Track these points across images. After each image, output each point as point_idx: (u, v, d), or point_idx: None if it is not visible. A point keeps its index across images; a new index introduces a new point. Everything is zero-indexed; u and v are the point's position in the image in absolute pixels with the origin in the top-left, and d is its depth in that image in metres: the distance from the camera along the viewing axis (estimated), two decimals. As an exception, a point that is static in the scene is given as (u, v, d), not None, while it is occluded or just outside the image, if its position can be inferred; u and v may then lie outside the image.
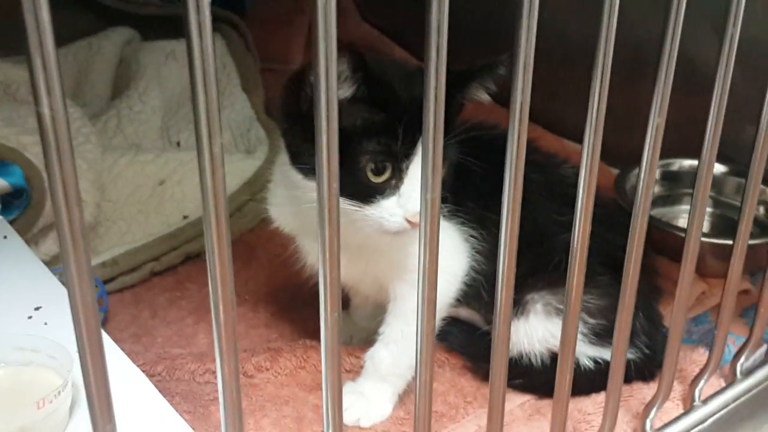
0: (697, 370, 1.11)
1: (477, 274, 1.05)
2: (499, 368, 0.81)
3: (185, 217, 1.35)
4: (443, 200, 0.99)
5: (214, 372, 1.11)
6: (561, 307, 1.06)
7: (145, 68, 1.60)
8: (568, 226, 1.06)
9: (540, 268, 1.05)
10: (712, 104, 0.87)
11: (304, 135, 0.91)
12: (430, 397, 0.76)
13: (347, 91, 0.88)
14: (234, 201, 1.36)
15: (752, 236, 1.35)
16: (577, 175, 1.14)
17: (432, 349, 0.74)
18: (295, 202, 0.98)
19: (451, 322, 1.14)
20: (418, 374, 0.75)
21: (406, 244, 0.97)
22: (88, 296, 0.53)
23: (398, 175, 0.89)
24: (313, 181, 0.91)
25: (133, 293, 1.28)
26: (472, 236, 1.02)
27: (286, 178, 0.97)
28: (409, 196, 0.88)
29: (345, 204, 0.89)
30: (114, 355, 0.87)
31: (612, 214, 1.13)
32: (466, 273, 1.02)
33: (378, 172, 0.89)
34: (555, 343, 1.08)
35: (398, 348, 1.03)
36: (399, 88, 0.91)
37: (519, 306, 1.06)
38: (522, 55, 0.65)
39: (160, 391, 1.02)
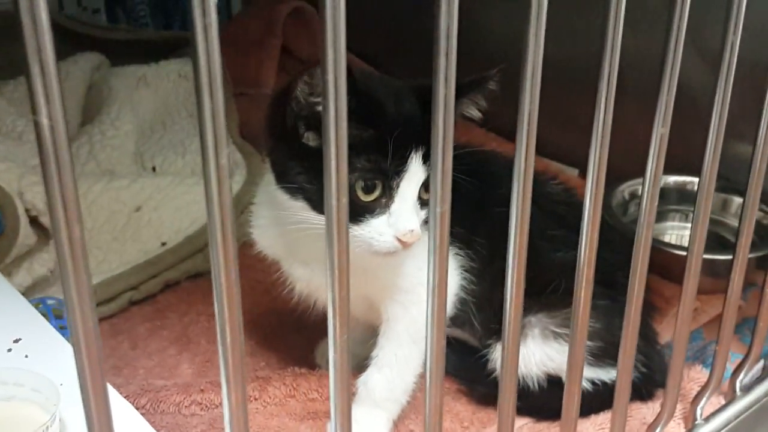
0: (695, 388, 1.10)
1: (466, 294, 1.02)
2: (507, 395, 0.77)
3: (163, 244, 1.31)
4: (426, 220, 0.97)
5: (201, 403, 1.07)
6: (559, 330, 1.03)
7: (117, 93, 1.56)
8: (562, 244, 1.05)
9: (535, 290, 1.03)
10: (712, 122, 0.86)
11: (290, 153, 0.88)
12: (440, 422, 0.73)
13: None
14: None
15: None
16: (565, 191, 1.13)
17: (442, 372, 0.70)
18: (280, 224, 0.94)
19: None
20: (427, 398, 0.71)
21: (397, 264, 0.94)
22: (89, 321, 0.49)
23: (388, 193, 0.86)
24: (299, 200, 0.89)
25: (112, 324, 1.23)
26: (458, 255, 1.00)
27: (271, 199, 0.94)
28: (400, 215, 0.85)
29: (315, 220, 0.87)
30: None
31: (601, 232, 1.11)
32: (456, 293, 1.00)
33: (368, 191, 0.86)
34: (553, 366, 1.05)
35: (392, 372, 1.00)
36: (387, 103, 0.89)
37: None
38: (529, 80, 0.63)
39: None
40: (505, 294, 0.75)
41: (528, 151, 0.68)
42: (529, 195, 0.73)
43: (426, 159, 0.86)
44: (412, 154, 0.85)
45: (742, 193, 1.38)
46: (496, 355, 1.05)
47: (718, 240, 1.40)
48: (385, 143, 0.84)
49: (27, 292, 1.17)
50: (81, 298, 0.48)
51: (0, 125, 1.40)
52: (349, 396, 0.66)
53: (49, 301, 1.12)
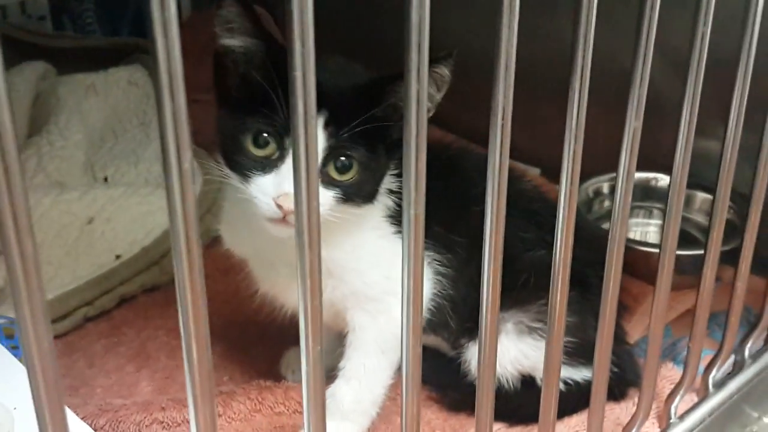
0: (667, 386, 1.08)
1: (442, 299, 0.99)
2: (485, 400, 0.74)
3: (118, 257, 1.26)
4: (398, 221, 0.94)
5: (162, 422, 1.03)
6: (533, 325, 1.01)
7: (65, 102, 1.51)
8: (534, 243, 1.03)
9: (508, 286, 1.00)
10: (682, 119, 0.84)
11: (232, 119, 0.83)
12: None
13: (235, 40, 0.81)
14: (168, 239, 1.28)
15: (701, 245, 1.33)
16: (535, 189, 1.11)
17: (419, 382, 0.67)
18: (246, 221, 0.90)
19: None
20: (404, 406, 0.68)
21: (362, 270, 0.91)
22: (44, 342, 0.46)
23: (281, 152, 0.80)
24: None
25: (66, 342, 1.18)
26: (435, 260, 0.97)
27: (233, 193, 0.88)
28: (285, 176, 0.79)
29: (232, 179, 0.83)
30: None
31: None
32: (430, 298, 0.97)
33: (257, 144, 0.81)
34: (528, 364, 1.03)
35: (360, 384, 0.97)
36: None
37: (486, 327, 1.01)
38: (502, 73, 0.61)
39: (104, 447, 0.94)
40: (482, 296, 0.73)
41: (503, 151, 0.66)
42: (504, 196, 0.70)
43: (328, 125, 0.80)
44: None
45: (705, 189, 1.39)
46: (470, 355, 1.03)
47: (683, 235, 1.39)
48: (281, 96, 0.78)
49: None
50: (35, 318, 0.45)
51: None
52: (323, 406, 0.63)
53: (2, 321, 1.07)
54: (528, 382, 1.06)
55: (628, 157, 0.77)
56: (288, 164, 0.79)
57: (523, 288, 1.00)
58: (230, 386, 1.09)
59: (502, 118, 0.64)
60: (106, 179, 1.40)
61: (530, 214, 1.04)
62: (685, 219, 1.40)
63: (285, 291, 0.96)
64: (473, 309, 1.01)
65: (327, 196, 0.81)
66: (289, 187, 0.76)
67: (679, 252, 1.26)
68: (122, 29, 2.02)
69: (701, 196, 1.38)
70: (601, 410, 0.91)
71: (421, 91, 0.56)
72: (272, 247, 0.91)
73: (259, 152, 0.80)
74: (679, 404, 1.03)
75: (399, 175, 0.94)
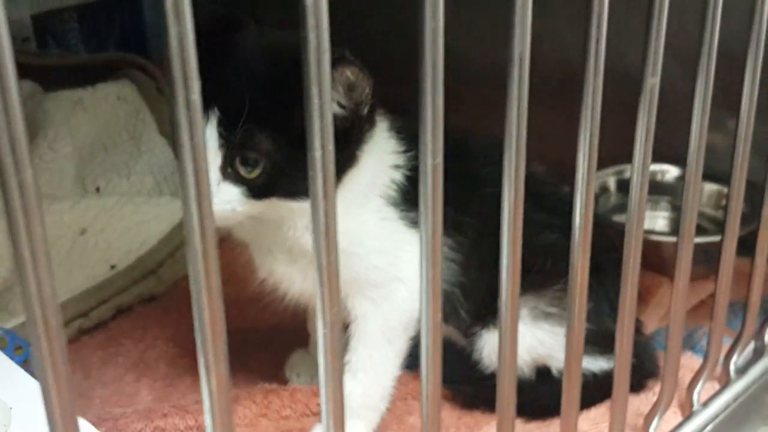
0: (687, 374, 1.05)
1: (451, 286, 0.96)
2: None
3: (113, 267, 1.22)
4: (407, 207, 0.91)
5: (164, 429, 0.99)
6: (549, 310, 0.98)
7: (53, 117, 1.48)
8: (545, 225, 1.00)
9: (524, 272, 0.98)
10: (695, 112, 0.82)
11: None
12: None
13: None
14: (167, 245, 1.24)
15: (711, 234, 1.31)
16: (543, 173, 1.09)
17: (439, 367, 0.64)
18: None
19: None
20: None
21: (364, 255, 0.88)
22: (59, 357, 0.43)
23: None
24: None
25: (61, 355, 1.14)
26: (445, 244, 0.93)
27: None
28: None
29: None
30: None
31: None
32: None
33: None
34: (543, 351, 0.99)
35: (368, 377, 0.93)
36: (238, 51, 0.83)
37: (499, 314, 0.97)
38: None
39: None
40: (500, 284, 0.70)
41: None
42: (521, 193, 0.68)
43: (221, 124, 0.78)
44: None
45: (712, 179, 1.36)
46: (482, 343, 0.99)
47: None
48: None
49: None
50: (47, 325, 0.43)
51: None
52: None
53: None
54: (544, 373, 1.03)
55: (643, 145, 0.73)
56: None
57: (539, 273, 0.97)
58: (235, 391, 1.04)
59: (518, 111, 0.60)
60: (98, 189, 1.37)
61: (539, 198, 1.01)
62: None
63: (283, 276, 0.92)
64: (485, 295, 0.99)
65: (233, 193, 0.80)
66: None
67: (697, 240, 1.25)
68: (108, 46, 2.00)
69: (710, 187, 1.36)
70: (624, 401, 0.87)
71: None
72: (268, 234, 0.88)
73: None
74: (702, 392, 1.00)
75: (404, 151, 0.92)
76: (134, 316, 1.22)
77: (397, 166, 0.90)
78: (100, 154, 1.46)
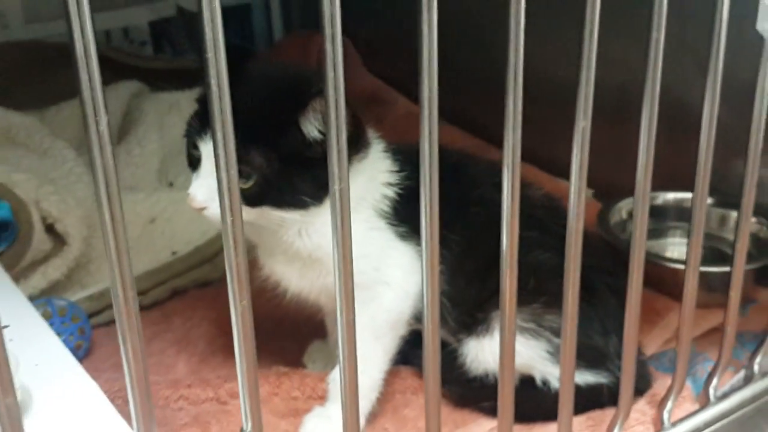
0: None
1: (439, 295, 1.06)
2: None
3: (174, 253, 1.38)
4: (397, 220, 1.01)
5: (188, 398, 1.13)
6: (524, 325, 1.06)
7: (146, 116, 1.66)
8: (535, 245, 1.08)
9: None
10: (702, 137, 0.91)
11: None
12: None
13: None
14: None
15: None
16: (545, 197, 1.16)
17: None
18: None
19: (421, 344, 1.15)
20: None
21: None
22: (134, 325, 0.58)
23: (199, 158, 0.94)
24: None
25: (120, 326, 1.31)
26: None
27: None
28: (196, 180, 0.94)
29: None
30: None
31: (585, 237, 1.14)
32: (419, 290, 1.03)
33: (192, 147, 0.96)
34: (520, 361, 1.06)
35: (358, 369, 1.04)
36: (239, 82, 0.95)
37: (484, 324, 1.06)
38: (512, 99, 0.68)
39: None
40: (501, 296, 0.84)
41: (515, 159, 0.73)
42: (517, 200, 0.78)
43: None
44: (206, 132, 0.90)
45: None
46: (466, 350, 1.09)
47: (717, 254, 1.40)
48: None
49: (41, 294, 1.26)
50: (127, 301, 0.61)
51: (29, 141, 1.51)
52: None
53: (60, 302, 1.20)
54: (527, 382, 1.11)
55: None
56: (202, 169, 0.93)
57: (522, 290, 1.05)
58: (252, 370, 1.18)
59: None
60: (171, 184, 1.53)
61: (535, 220, 1.09)
62: (719, 238, 1.42)
63: (282, 274, 1.05)
64: (470, 305, 1.08)
65: None
66: (192, 189, 0.93)
67: (709, 269, 1.29)
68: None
69: (735, 215, 1.39)
70: (626, 409, 0.98)
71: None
72: (269, 237, 1.00)
73: (195, 152, 0.94)
74: (679, 413, 1.06)
75: (397, 170, 1.02)
76: (188, 298, 1.38)
77: (389, 184, 1.01)
78: (182, 154, 1.63)
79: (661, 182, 1.07)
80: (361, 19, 2.08)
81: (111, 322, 1.31)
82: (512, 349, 0.84)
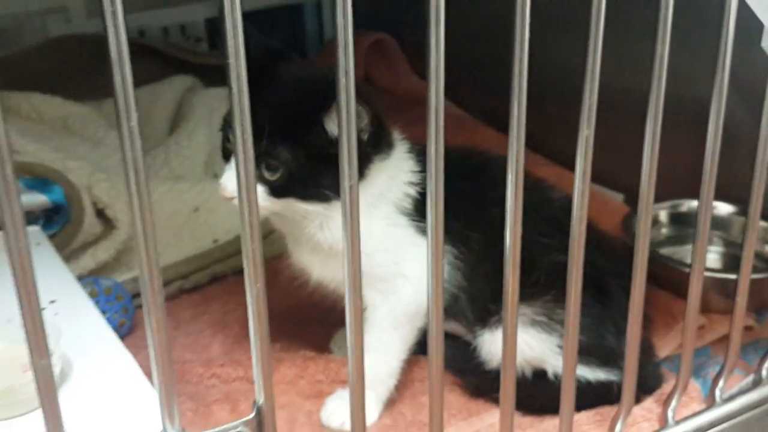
0: (684, 399, 1.14)
1: (458, 290, 1.11)
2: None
3: (215, 241, 1.46)
4: (418, 217, 1.07)
5: (219, 376, 1.21)
6: (536, 318, 1.11)
7: (198, 110, 1.74)
8: (553, 247, 1.13)
9: (520, 283, 1.11)
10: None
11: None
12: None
13: None
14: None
15: (757, 271, 1.38)
16: (564, 198, 1.21)
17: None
18: None
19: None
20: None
21: (370, 253, 1.04)
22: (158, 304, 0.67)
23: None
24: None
25: (161, 308, 1.39)
26: (451, 253, 1.09)
27: None
28: (228, 170, 1.00)
29: None
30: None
31: (600, 238, 1.19)
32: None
33: (227, 139, 1.03)
34: (531, 354, 1.13)
35: (377, 356, 1.10)
36: (268, 78, 1.02)
37: (497, 317, 1.11)
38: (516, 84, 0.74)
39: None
40: (504, 287, 0.89)
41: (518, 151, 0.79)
42: (521, 193, 0.83)
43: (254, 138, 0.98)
44: None
45: (766, 218, 1.43)
46: (482, 342, 1.14)
47: (736, 261, 1.43)
48: None
49: (90, 274, 1.35)
50: (152, 283, 0.68)
51: (85, 131, 1.61)
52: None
53: (106, 282, 1.29)
54: (540, 375, 1.16)
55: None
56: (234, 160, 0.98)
57: (533, 286, 1.10)
58: (281, 354, 1.25)
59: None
60: (215, 175, 1.61)
61: (554, 222, 1.14)
62: (739, 245, 1.45)
63: (307, 263, 1.12)
64: (487, 301, 1.13)
65: (259, 190, 0.97)
66: (223, 180, 1.00)
67: (727, 276, 1.32)
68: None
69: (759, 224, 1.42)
70: (629, 405, 1.04)
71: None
72: (295, 228, 1.07)
73: (230, 145, 1.01)
74: (683, 411, 1.10)
75: (420, 171, 1.08)
76: (226, 283, 1.46)
77: (411, 183, 1.07)
78: (232, 146, 1.72)
79: (690, 190, 1.10)
80: (410, 22, 2.14)
81: (153, 303, 1.40)
82: (515, 339, 0.89)
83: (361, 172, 1.02)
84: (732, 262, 1.48)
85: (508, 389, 0.91)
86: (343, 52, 0.69)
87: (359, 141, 0.99)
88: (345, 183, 0.73)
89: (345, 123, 0.71)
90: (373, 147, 1.01)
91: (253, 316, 0.74)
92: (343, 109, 0.70)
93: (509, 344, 0.89)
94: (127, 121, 0.61)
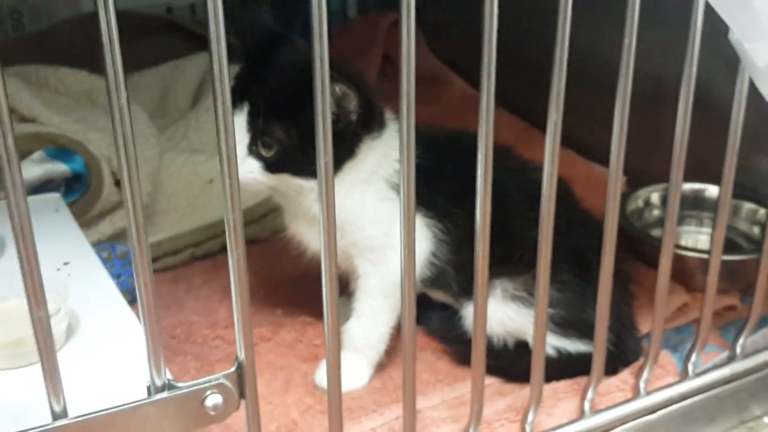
0: (660, 372, 1.20)
1: (444, 263, 1.18)
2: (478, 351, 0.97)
3: (227, 212, 1.54)
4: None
5: (223, 338, 1.29)
6: (516, 293, 1.17)
7: (216, 86, 1.82)
8: (536, 224, 1.19)
9: (503, 260, 1.17)
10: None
11: None
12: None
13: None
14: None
15: (745, 252, 1.43)
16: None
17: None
18: None
19: (430, 306, 1.28)
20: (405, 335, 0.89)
21: (361, 225, 1.11)
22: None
23: None
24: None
25: (174, 273, 1.48)
26: (436, 227, 1.15)
27: None
28: None
29: None
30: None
31: (585, 217, 1.24)
32: (426, 257, 1.15)
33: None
34: (512, 326, 1.19)
35: (368, 321, 1.17)
36: (256, 57, 1.09)
37: (482, 289, 1.18)
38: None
39: (174, 351, 1.21)
40: (475, 259, 0.94)
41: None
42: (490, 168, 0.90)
43: (250, 115, 1.04)
44: (238, 105, 1.03)
45: (755, 200, 1.47)
46: (467, 312, 1.20)
47: (728, 243, 1.48)
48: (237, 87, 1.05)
49: (107, 239, 1.44)
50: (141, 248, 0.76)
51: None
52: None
53: (122, 247, 1.38)
54: (523, 345, 1.22)
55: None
56: None
57: (517, 262, 1.16)
58: (281, 319, 1.33)
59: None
60: (231, 149, 1.69)
61: (537, 199, 1.19)
62: (731, 228, 1.49)
63: (303, 235, 1.19)
64: (471, 273, 1.20)
65: (255, 166, 1.06)
66: None
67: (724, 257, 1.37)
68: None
69: (748, 206, 1.47)
70: (598, 375, 1.10)
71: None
72: (291, 202, 1.14)
73: None
74: (657, 383, 1.16)
75: None
76: (237, 252, 1.54)
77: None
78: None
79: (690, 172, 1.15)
80: (428, 3, 2.18)
81: (167, 269, 1.48)
82: (485, 311, 0.95)
83: (352, 150, 1.09)
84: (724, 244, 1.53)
85: (478, 356, 0.98)
86: (318, 40, 0.75)
87: (348, 122, 1.06)
88: (321, 160, 0.79)
89: (320, 106, 0.77)
90: (362, 127, 1.08)
91: (234, 278, 0.82)
92: (318, 93, 0.77)
93: (480, 315, 0.95)
94: (117, 98, 0.68)
